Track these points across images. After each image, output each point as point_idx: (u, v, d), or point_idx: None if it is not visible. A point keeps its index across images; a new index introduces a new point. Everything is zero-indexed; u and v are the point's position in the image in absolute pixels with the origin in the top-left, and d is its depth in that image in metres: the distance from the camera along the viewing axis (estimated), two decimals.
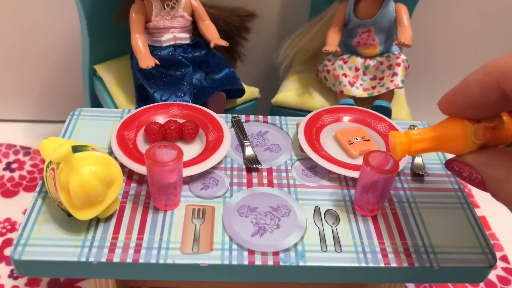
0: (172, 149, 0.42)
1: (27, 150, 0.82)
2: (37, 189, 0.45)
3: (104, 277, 0.40)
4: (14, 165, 0.79)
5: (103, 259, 0.39)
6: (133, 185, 0.46)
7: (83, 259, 0.39)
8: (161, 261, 0.39)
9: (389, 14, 0.61)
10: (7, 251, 0.66)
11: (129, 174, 0.47)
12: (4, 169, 0.78)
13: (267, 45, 0.79)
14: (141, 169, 0.45)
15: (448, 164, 0.34)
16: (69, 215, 0.42)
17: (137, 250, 0.40)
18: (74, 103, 0.85)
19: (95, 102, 0.72)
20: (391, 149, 0.35)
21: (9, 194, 0.74)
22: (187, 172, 0.45)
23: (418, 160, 0.51)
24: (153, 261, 0.39)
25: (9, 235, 0.68)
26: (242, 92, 0.63)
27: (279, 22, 0.78)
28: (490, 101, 0.28)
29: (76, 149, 0.40)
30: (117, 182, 0.41)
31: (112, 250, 0.40)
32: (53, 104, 0.86)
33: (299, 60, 0.72)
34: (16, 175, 0.77)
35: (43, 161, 0.80)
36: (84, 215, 0.39)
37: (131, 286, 0.57)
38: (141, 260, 0.39)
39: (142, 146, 0.49)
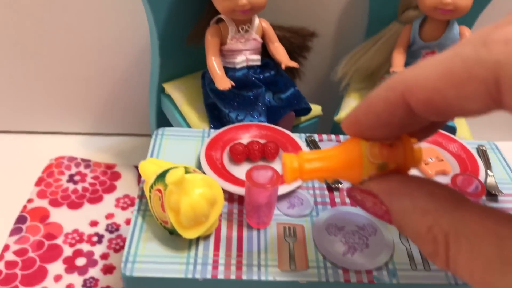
0: (268, 171, 0.44)
1: (87, 163, 0.85)
2: (136, 207, 0.47)
3: None
4: (77, 177, 0.82)
5: (208, 276, 0.41)
6: (225, 203, 0.48)
7: (189, 276, 0.41)
8: (263, 278, 0.41)
9: (453, 37, 0.63)
10: (79, 261, 0.68)
11: None
12: (68, 181, 0.81)
13: (323, 63, 0.81)
14: (233, 188, 0.48)
15: (350, 193, 0.30)
16: (171, 233, 0.44)
17: (239, 267, 0.42)
18: (131, 117, 0.88)
19: (161, 120, 0.74)
20: (284, 172, 0.31)
21: (75, 205, 0.77)
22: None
23: (490, 180, 0.53)
24: (255, 278, 0.41)
25: (78, 246, 0.71)
26: (308, 110, 0.66)
27: (336, 41, 0.80)
28: (396, 119, 0.24)
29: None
30: (219, 202, 0.43)
31: (215, 267, 0.42)
32: (110, 117, 0.89)
33: (357, 78, 0.74)
34: (79, 187, 0.80)
35: (103, 173, 0.83)
36: (190, 234, 0.42)
37: None
38: (244, 277, 0.41)
39: (228, 166, 0.52)
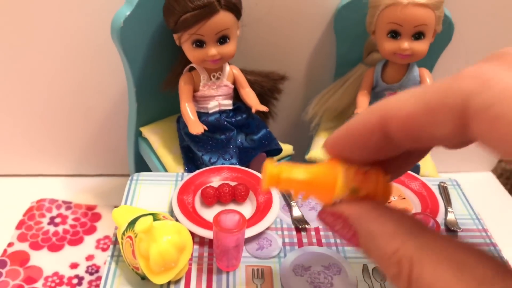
0: (235, 215, 0.46)
1: (68, 205, 0.86)
2: (109, 253, 0.49)
3: None
4: (58, 220, 0.83)
5: None
6: (196, 247, 0.50)
7: None
8: None
9: (414, 79, 0.67)
10: None
11: None
12: (49, 223, 0.82)
13: (294, 104, 0.84)
14: (203, 232, 0.50)
15: (321, 215, 0.30)
16: (143, 278, 0.46)
17: None
18: (112, 158, 0.90)
19: (139, 161, 0.76)
20: (262, 178, 0.32)
21: (55, 248, 0.78)
22: (246, 233, 0.49)
23: (450, 216, 0.56)
24: None
25: None
26: (279, 151, 0.68)
27: (306, 82, 0.83)
28: (373, 142, 0.25)
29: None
30: (188, 247, 0.45)
31: None
32: (91, 159, 0.91)
33: (327, 117, 0.77)
34: (60, 229, 0.81)
35: (84, 214, 0.85)
36: (160, 280, 0.44)
37: None
38: None
39: (200, 209, 0.54)
